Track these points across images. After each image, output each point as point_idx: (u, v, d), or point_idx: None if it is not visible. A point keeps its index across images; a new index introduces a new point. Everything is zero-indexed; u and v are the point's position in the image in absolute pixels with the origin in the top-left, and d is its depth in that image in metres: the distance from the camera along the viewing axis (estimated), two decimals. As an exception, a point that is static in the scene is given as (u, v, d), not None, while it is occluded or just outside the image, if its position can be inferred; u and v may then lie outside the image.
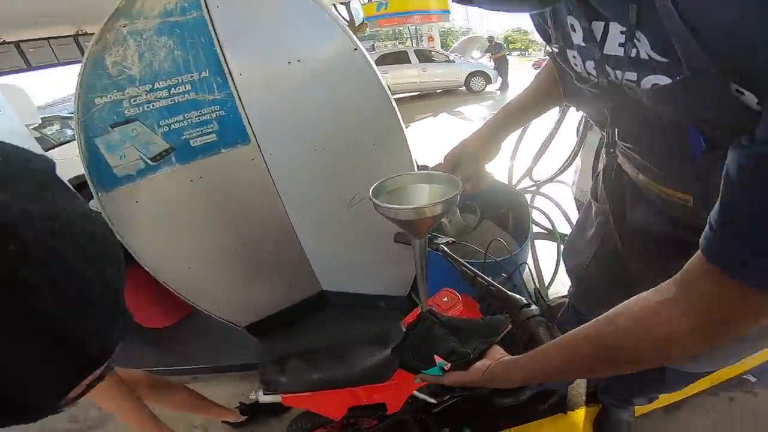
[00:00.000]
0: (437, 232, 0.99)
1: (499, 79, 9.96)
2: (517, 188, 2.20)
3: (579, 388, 1.50)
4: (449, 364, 0.69)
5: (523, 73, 11.33)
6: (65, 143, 4.11)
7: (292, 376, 0.99)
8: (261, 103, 1.26)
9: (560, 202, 2.43)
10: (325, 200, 1.42)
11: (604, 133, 0.65)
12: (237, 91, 1.24)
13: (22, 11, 4.95)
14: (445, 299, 0.99)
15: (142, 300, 1.80)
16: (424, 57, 9.89)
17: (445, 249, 0.95)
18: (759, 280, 0.32)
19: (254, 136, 1.30)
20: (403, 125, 1.27)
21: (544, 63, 0.80)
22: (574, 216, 2.36)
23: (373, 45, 15.39)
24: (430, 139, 4.90)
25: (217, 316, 1.66)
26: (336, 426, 1.24)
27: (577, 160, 2.49)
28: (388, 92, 1.23)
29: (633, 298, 0.44)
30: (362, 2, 14.84)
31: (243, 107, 1.27)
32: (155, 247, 1.39)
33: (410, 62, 9.55)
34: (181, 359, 1.77)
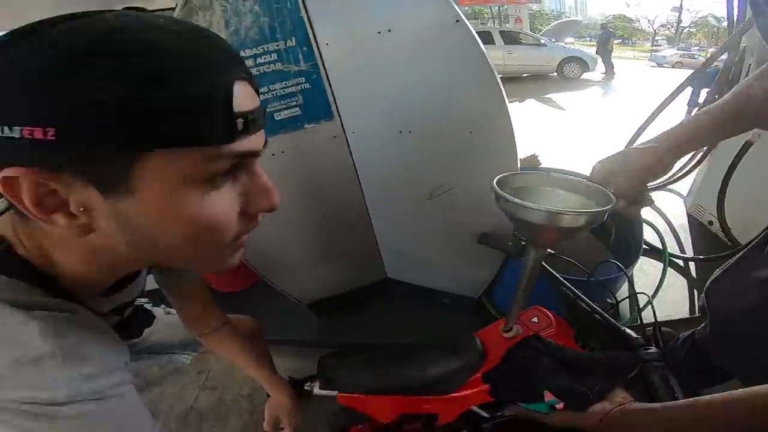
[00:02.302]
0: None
1: (599, 67, 9.04)
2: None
3: None
4: (562, 404, 0.57)
5: (628, 65, 10.14)
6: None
7: (350, 377, 0.94)
8: (347, 76, 1.17)
9: (668, 214, 2.09)
10: (405, 187, 1.31)
11: None
12: (323, 62, 1.17)
13: None
14: (535, 319, 0.85)
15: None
16: (511, 39, 9.27)
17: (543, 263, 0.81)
18: None
19: (338, 112, 1.23)
20: (510, 114, 1.09)
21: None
22: (684, 235, 2.02)
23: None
24: (516, 128, 4.52)
25: (281, 289, 1.68)
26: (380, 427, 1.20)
27: (702, 167, 2.10)
28: (495, 74, 1.06)
29: None
30: None
31: (328, 80, 1.19)
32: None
33: (494, 43, 8.97)
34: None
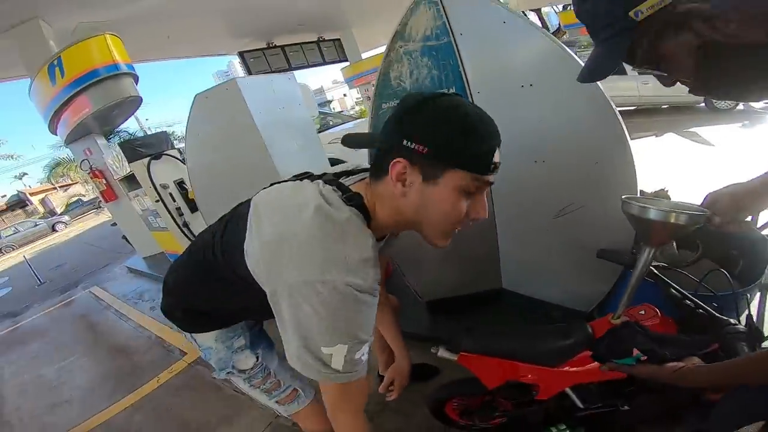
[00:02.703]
0: (665, 272, 1.03)
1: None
2: (763, 232, 1.83)
3: None
4: (645, 357, 0.78)
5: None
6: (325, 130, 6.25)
7: (476, 339, 1.19)
8: (493, 117, 1.50)
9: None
10: (534, 208, 1.58)
11: None
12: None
13: (287, 20, 7.01)
14: (642, 312, 1.02)
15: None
16: (646, 68, 8.44)
17: (654, 270, 0.99)
18: None
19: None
20: (630, 144, 1.30)
21: None
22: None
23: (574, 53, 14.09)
24: (649, 163, 4.10)
25: (409, 283, 2.03)
26: (474, 402, 1.41)
27: None
28: (614, 108, 1.28)
29: None
30: (557, 9, 13.69)
31: (477, 120, 1.54)
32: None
33: (626, 73, 8.33)
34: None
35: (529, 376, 1.14)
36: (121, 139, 5.86)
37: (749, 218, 0.79)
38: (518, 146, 1.44)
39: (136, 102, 4.85)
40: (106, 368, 3.28)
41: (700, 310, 0.86)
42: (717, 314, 0.82)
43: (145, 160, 4.05)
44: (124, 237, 5.96)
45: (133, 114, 5.45)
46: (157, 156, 4.13)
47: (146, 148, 4.14)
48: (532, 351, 1.11)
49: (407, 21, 1.50)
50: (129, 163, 4.11)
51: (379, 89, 1.59)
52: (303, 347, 0.67)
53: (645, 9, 0.48)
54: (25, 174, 35.59)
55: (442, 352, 1.25)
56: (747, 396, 0.96)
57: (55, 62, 4.35)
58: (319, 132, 5.32)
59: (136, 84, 4.78)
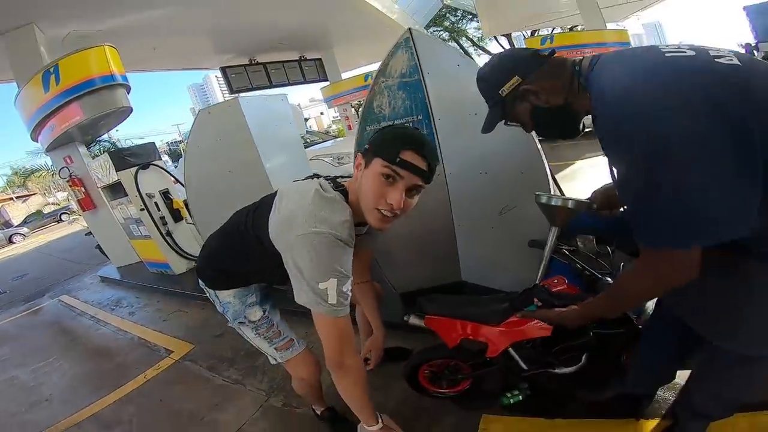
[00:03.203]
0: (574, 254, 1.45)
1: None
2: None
3: (665, 402, 1.50)
4: (541, 304, 1.16)
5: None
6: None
7: (436, 305, 1.53)
8: (450, 137, 1.92)
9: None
10: (481, 210, 1.99)
11: None
12: (436, 130, 1.93)
13: (270, 38, 7.40)
14: (555, 281, 1.38)
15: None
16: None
17: (566, 252, 1.39)
18: (661, 242, 0.75)
19: (441, 159, 1.97)
20: (546, 162, 1.74)
21: None
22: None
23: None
24: (597, 177, 4.75)
25: (387, 278, 2.37)
26: (440, 365, 1.70)
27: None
28: (536, 140, 1.72)
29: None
30: (525, 36, 14.97)
31: (438, 140, 1.95)
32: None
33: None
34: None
35: (479, 333, 1.46)
36: (102, 149, 5.93)
37: (622, 209, 1.21)
38: (468, 161, 1.85)
39: (126, 112, 4.98)
40: (86, 369, 3.21)
41: (587, 272, 1.26)
42: (599, 276, 1.23)
43: (133, 169, 4.22)
44: (98, 246, 5.93)
45: (120, 123, 5.53)
46: (145, 166, 4.31)
47: (135, 158, 4.32)
48: (479, 312, 1.46)
49: (389, 61, 1.90)
50: (117, 171, 4.25)
51: (365, 115, 1.98)
52: (306, 285, 1.01)
53: (505, 89, 0.92)
54: (-21, 182, 33.80)
55: (413, 319, 1.57)
56: (646, 359, 1.33)
57: (51, 70, 4.45)
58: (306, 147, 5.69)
59: (128, 94, 4.91)
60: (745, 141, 0.66)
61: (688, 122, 0.67)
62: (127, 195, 4.41)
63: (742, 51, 2.11)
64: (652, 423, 1.43)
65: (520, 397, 1.56)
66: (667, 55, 0.76)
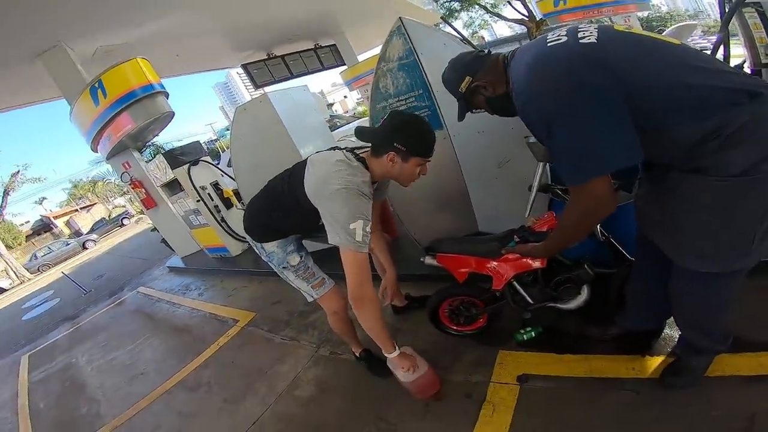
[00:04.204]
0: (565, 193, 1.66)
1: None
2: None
3: (671, 340, 1.53)
4: (518, 239, 1.49)
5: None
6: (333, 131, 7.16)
7: (446, 245, 1.84)
8: (449, 106, 2.20)
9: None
10: (485, 163, 2.26)
11: None
12: (436, 100, 2.22)
13: (281, 31, 7.62)
14: (546, 216, 1.60)
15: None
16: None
17: (558, 191, 1.65)
18: (573, 180, 1.02)
19: (445, 125, 2.26)
20: None
21: None
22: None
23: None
24: None
25: (411, 232, 2.73)
26: (457, 304, 1.96)
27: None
28: None
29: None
30: None
31: (439, 109, 2.24)
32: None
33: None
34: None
35: (483, 267, 1.73)
36: (152, 152, 6.51)
37: None
38: (466, 123, 2.13)
39: (169, 116, 5.40)
40: (171, 344, 3.68)
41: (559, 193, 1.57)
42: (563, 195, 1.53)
43: (186, 166, 4.76)
44: (163, 240, 6.59)
45: (165, 127, 5.90)
46: (195, 162, 4.85)
47: (185, 156, 4.85)
48: (482, 248, 1.74)
49: (386, 48, 2.20)
50: (172, 170, 4.80)
51: (373, 95, 2.32)
52: (340, 227, 1.39)
53: (462, 87, 1.24)
54: (44, 198, 36.76)
55: (428, 260, 1.87)
56: (640, 292, 1.45)
57: (96, 84, 4.81)
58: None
59: (167, 100, 5.25)
60: (608, 99, 0.91)
61: (564, 95, 0.95)
62: (183, 190, 4.95)
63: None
64: (658, 359, 1.48)
65: (533, 334, 1.78)
66: (548, 45, 1.03)
